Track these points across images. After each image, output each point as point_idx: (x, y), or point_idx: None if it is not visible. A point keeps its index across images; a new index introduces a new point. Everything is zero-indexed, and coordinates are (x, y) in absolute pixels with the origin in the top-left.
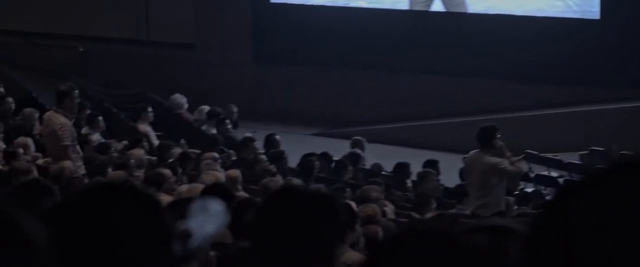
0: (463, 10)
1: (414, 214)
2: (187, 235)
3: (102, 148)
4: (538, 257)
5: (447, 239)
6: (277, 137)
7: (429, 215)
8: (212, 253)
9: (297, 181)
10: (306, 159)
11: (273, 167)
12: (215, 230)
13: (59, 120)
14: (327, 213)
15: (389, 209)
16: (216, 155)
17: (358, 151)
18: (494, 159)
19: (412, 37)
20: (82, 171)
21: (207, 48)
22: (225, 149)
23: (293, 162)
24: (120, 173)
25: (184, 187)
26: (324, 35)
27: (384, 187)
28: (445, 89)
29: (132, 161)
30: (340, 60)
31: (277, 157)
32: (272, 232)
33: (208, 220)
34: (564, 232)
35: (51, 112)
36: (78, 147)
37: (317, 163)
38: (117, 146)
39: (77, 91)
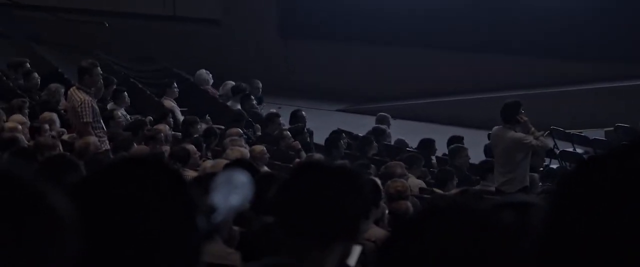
0: None
1: (437, 190)
2: (211, 209)
3: (135, 125)
4: (557, 229)
5: (470, 215)
6: (303, 112)
7: (453, 191)
8: (235, 228)
9: (319, 156)
10: (333, 135)
11: (298, 144)
12: (240, 202)
13: (80, 96)
14: (351, 188)
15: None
16: (241, 131)
17: (383, 126)
18: (518, 135)
19: (437, 13)
20: (106, 146)
21: (232, 24)
22: (251, 125)
23: (318, 138)
24: (144, 148)
25: (209, 163)
26: (350, 10)
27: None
28: (469, 65)
29: (161, 134)
30: (365, 36)
31: (298, 132)
32: (294, 208)
33: (232, 192)
34: (582, 206)
35: (73, 88)
36: (102, 122)
37: (343, 140)
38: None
39: (98, 68)
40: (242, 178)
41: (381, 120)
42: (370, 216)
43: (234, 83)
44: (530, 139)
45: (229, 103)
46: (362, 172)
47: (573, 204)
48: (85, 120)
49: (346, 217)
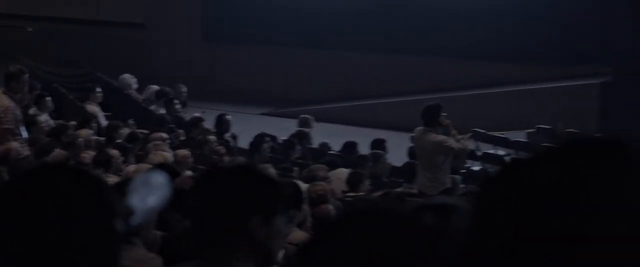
0: None
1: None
2: (129, 212)
3: (57, 131)
4: (481, 232)
5: (392, 217)
6: (228, 117)
7: (362, 193)
8: (157, 232)
9: (242, 160)
10: (256, 138)
11: (222, 148)
12: (158, 203)
13: (3, 102)
14: (246, 187)
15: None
16: (165, 135)
17: (305, 129)
18: (440, 137)
19: (360, 17)
20: (26, 151)
21: (156, 27)
22: (174, 129)
23: (243, 142)
24: (62, 153)
25: (132, 168)
26: (273, 14)
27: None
28: (392, 67)
29: (80, 139)
30: (288, 40)
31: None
32: (199, 210)
33: (150, 193)
34: (505, 209)
35: None
36: (23, 128)
37: (267, 143)
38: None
39: (26, 75)
40: (159, 179)
41: (303, 122)
42: (293, 219)
43: (157, 87)
44: (451, 141)
45: (152, 107)
46: (264, 171)
47: (496, 207)
48: (4, 126)
49: (238, 216)
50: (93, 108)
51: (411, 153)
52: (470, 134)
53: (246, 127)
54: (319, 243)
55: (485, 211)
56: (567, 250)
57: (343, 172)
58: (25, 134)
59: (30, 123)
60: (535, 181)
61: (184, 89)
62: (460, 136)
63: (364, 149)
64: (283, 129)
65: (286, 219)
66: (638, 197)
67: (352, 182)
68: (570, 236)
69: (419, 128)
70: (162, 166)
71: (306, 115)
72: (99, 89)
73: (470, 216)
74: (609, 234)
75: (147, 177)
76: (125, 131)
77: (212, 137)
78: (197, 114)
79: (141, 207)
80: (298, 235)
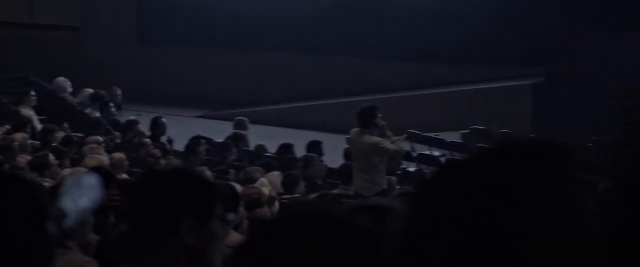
0: None
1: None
2: (61, 215)
3: None
4: (417, 235)
5: (327, 219)
6: (163, 119)
7: (297, 195)
8: (93, 236)
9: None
10: (192, 141)
11: (158, 151)
12: (89, 204)
13: None
14: (180, 191)
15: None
16: (100, 138)
17: (242, 131)
18: (375, 139)
19: (295, 19)
20: None
21: (91, 30)
22: (110, 132)
23: (178, 144)
24: None
25: (67, 171)
26: (208, 16)
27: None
28: (327, 69)
29: (15, 143)
30: (224, 42)
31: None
32: (134, 213)
33: (81, 195)
34: (439, 209)
35: None
36: None
37: (203, 146)
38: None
39: None
40: (90, 180)
41: (239, 125)
42: (229, 222)
43: (92, 90)
44: (386, 143)
45: (87, 111)
46: (195, 174)
47: (432, 208)
48: None
49: (176, 222)
50: (28, 112)
51: (347, 155)
52: (406, 135)
53: (182, 130)
54: (254, 245)
55: (420, 212)
56: (503, 249)
57: (275, 175)
58: None
59: None
60: (470, 183)
61: (119, 92)
62: (396, 138)
63: (301, 151)
64: (219, 131)
65: (222, 223)
66: (569, 196)
67: (288, 185)
68: (505, 235)
69: (354, 130)
70: (97, 169)
71: (241, 118)
72: (33, 93)
73: (406, 216)
74: (543, 233)
75: (79, 179)
76: (60, 135)
77: (147, 140)
78: (133, 117)
79: (73, 209)
80: (234, 237)
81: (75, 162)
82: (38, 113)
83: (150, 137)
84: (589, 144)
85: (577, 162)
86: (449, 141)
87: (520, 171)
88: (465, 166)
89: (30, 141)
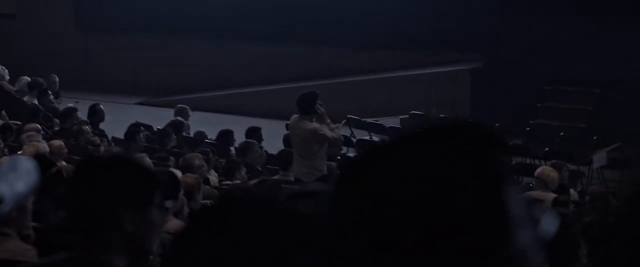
0: None
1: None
2: None
3: None
4: (339, 217)
5: (267, 205)
6: (101, 106)
7: (237, 181)
8: (33, 224)
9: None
10: (131, 128)
11: (97, 138)
12: (27, 188)
13: None
14: (118, 179)
15: (213, 177)
16: (38, 126)
17: (181, 118)
18: (314, 125)
19: (235, 5)
20: None
21: (28, 18)
22: (49, 120)
23: (118, 131)
24: None
25: (5, 159)
26: (147, 3)
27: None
28: (267, 55)
29: None
30: (162, 29)
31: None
32: (72, 201)
33: (18, 179)
34: (361, 194)
35: None
36: None
37: (142, 133)
38: None
39: None
40: (26, 164)
41: (180, 112)
42: (169, 209)
43: (29, 78)
44: (325, 130)
45: (25, 98)
46: (133, 162)
47: (352, 192)
48: None
49: (115, 210)
50: None
51: (286, 141)
52: (344, 121)
53: (121, 117)
54: (194, 232)
55: (342, 198)
56: (426, 242)
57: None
58: None
59: None
60: (395, 169)
61: (57, 79)
62: (335, 125)
63: (240, 137)
64: (158, 118)
65: (161, 210)
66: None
67: (228, 171)
68: (433, 228)
69: (294, 116)
70: (36, 157)
71: (183, 105)
72: None
73: (328, 202)
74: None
75: (14, 163)
76: None
77: (87, 128)
78: (71, 105)
79: (10, 194)
80: (174, 224)
81: (13, 150)
82: None
83: (89, 124)
84: (527, 129)
85: (507, 147)
86: (388, 126)
87: (449, 155)
88: (390, 151)
89: None
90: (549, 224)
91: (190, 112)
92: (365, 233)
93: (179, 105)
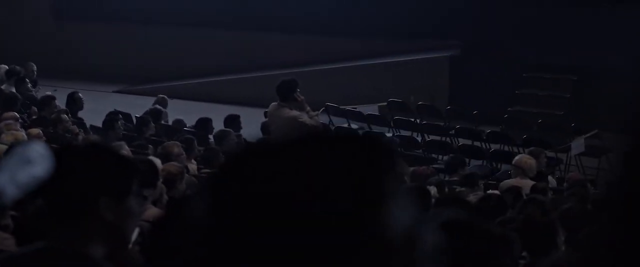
0: None
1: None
2: None
3: None
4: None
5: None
6: (79, 94)
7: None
8: (11, 213)
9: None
10: (109, 116)
11: (76, 127)
12: (41, 174)
13: None
14: (96, 167)
15: (192, 165)
16: (16, 114)
17: (159, 107)
18: (294, 113)
19: None
20: None
21: (5, 5)
22: (29, 107)
23: (96, 120)
24: None
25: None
26: None
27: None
28: (246, 43)
29: None
30: (139, 16)
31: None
32: (50, 189)
33: (24, 168)
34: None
35: None
36: None
37: (120, 121)
38: None
39: None
40: (37, 150)
41: (158, 100)
42: (148, 198)
43: (7, 66)
44: (305, 117)
45: (3, 86)
46: (118, 150)
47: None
48: None
49: (93, 198)
50: None
51: (264, 128)
52: (323, 108)
53: (99, 105)
54: (172, 220)
55: (216, 200)
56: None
57: None
58: None
59: None
60: (268, 176)
61: (35, 67)
62: (314, 113)
63: (219, 125)
64: (136, 106)
65: (139, 199)
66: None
67: (207, 159)
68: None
69: (273, 103)
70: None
71: (162, 95)
72: None
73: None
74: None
75: (23, 150)
76: None
77: (65, 116)
78: (49, 93)
79: (10, 185)
80: (153, 212)
81: None
82: None
83: (68, 112)
84: (505, 116)
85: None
86: (366, 113)
87: (324, 163)
88: (267, 152)
89: None
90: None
91: (168, 100)
92: (230, 232)
93: (159, 95)
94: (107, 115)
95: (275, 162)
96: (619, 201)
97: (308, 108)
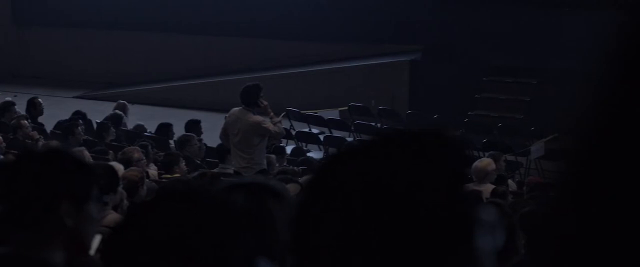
0: None
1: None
2: None
3: None
4: (304, 222)
5: (202, 197)
6: (40, 100)
7: (177, 174)
8: None
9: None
10: (70, 121)
11: (36, 133)
12: None
13: None
14: (56, 172)
15: (153, 170)
16: None
17: (120, 112)
18: (257, 118)
19: None
20: None
21: None
22: None
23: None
24: None
25: None
26: None
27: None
28: (207, 48)
29: None
30: (101, 22)
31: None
32: (9, 194)
33: None
34: (327, 200)
35: None
36: None
37: (81, 126)
38: None
39: None
40: None
41: (120, 108)
42: (108, 203)
43: None
44: (268, 123)
45: None
46: (78, 155)
47: (317, 199)
48: None
49: (53, 204)
50: None
51: (224, 133)
52: (284, 113)
53: (59, 111)
54: (132, 225)
55: (309, 202)
56: (388, 246)
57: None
58: None
59: None
60: (354, 178)
61: None
62: (277, 119)
63: (180, 130)
64: (98, 111)
65: (99, 204)
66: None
67: (167, 164)
68: (387, 231)
69: (235, 108)
70: None
71: (122, 101)
72: None
73: (298, 205)
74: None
75: None
76: None
77: (25, 122)
78: (9, 99)
79: None
80: (113, 217)
81: None
82: None
83: (28, 118)
84: (465, 120)
85: (466, 154)
86: (327, 118)
87: (418, 162)
88: (350, 160)
89: None
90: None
91: (129, 106)
92: (335, 229)
93: (120, 101)
94: (67, 121)
95: (373, 161)
96: (562, 199)
97: (271, 113)
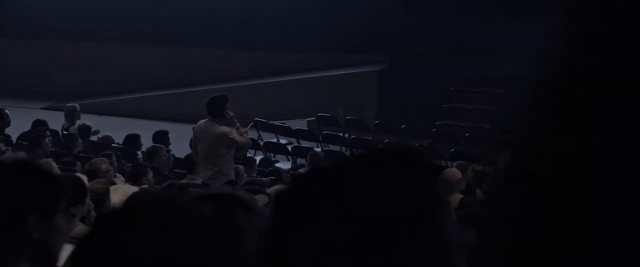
0: None
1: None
2: None
3: None
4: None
5: (170, 208)
6: (7, 111)
7: (146, 186)
8: None
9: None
10: (37, 133)
11: (2, 145)
12: None
13: None
14: (23, 185)
15: (120, 181)
16: None
17: (88, 123)
18: (224, 129)
19: (141, 9)
20: None
21: None
22: None
23: (23, 137)
24: None
25: None
26: (52, 6)
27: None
28: (175, 59)
29: None
30: (68, 33)
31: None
32: None
33: None
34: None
35: None
36: None
37: (48, 138)
38: None
39: None
40: None
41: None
42: (76, 215)
43: None
44: (235, 134)
45: None
46: (45, 167)
47: (295, 216)
48: None
49: (19, 216)
50: None
51: (192, 144)
52: (252, 123)
53: (26, 122)
54: (100, 237)
55: (286, 218)
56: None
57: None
58: None
59: None
60: (331, 195)
61: None
62: (244, 129)
63: (147, 141)
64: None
65: (67, 216)
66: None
67: (135, 175)
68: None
69: (202, 120)
70: None
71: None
72: None
73: (270, 219)
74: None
75: None
76: None
77: None
78: None
79: None
80: (80, 229)
81: None
82: None
83: None
84: (433, 130)
85: (436, 168)
86: (295, 128)
87: (394, 183)
88: (328, 175)
89: None
90: None
91: (96, 117)
92: (308, 252)
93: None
94: (34, 132)
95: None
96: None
97: (238, 124)
